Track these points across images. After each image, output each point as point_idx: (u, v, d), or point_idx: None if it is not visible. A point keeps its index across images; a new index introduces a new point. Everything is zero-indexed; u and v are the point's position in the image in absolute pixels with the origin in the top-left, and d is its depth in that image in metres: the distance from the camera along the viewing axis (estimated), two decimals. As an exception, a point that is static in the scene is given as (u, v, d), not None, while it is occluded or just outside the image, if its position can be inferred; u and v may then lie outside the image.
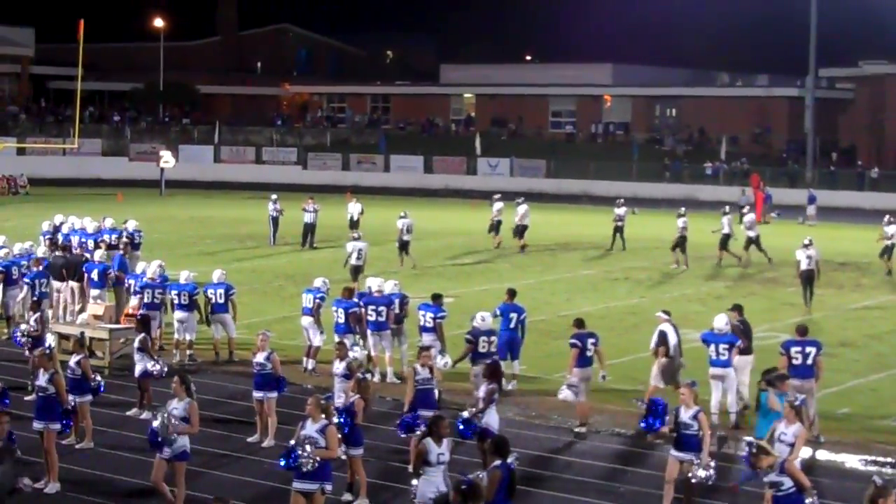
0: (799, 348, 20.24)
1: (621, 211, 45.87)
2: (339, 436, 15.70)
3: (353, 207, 46.22)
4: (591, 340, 21.49)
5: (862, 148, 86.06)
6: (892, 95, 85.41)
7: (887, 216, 42.44)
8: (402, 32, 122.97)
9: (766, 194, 61.30)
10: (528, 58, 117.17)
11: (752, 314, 32.22)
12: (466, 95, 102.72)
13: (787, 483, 14.13)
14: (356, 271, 33.75)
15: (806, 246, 34.17)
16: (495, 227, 45.36)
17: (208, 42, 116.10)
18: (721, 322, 20.98)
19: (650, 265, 41.65)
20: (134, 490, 17.30)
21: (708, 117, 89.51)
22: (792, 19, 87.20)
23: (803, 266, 33.98)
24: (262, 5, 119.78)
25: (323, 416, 15.33)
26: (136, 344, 21.16)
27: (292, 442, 15.06)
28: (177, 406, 16.04)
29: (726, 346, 20.80)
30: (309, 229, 44.42)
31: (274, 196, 45.39)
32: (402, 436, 17.54)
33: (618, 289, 36.71)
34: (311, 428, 15.22)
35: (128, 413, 21.02)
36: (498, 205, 45.42)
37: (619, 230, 45.69)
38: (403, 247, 39.90)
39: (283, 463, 14.99)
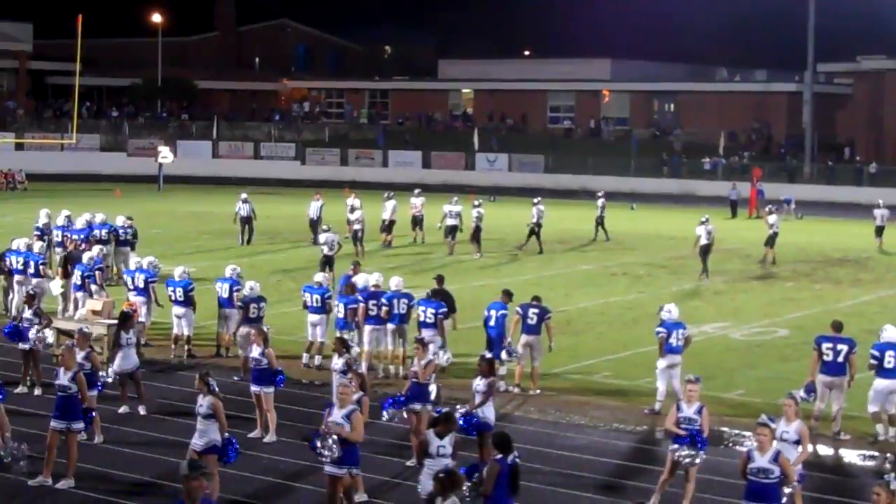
0: (831, 344, 20.23)
1: (601, 203, 47.53)
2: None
3: (353, 202, 46.10)
4: (532, 311, 22.62)
5: (860, 143, 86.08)
6: (890, 90, 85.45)
7: (768, 206, 45.50)
8: (401, 28, 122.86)
9: (759, 189, 61.32)
10: (527, 53, 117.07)
11: (751, 309, 32.48)
12: (465, 91, 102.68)
13: (776, 472, 14.16)
14: (328, 262, 33.94)
15: (703, 222, 37.53)
16: (388, 226, 44.48)
17: (207, 37, 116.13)
18: (676, 311, 21.73)
19: (649, 260, 41.67)
20: (139, 485, 17.31)
21: (706, 112, 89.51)
22: (790, 14, 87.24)
23: (703, 241, 37.09)
24: (261, 0, 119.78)
25: (351, 403, 15.42)
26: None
27: (321, 428, 15.15)
28: (202, 403, 16.07)
29: (683, 332, 21.56)
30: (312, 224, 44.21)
31: (244, 195, 44.83)
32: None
33: (616, 284, 36.73)
34: (337, 414, 15.30)
35: (119, 411, 20.99)
36: (391, 203, 44.71)
37: (600, 222, 47.09)
38: (533, 233, 43.16)
39: (310, 446, 15.23)
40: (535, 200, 44.28)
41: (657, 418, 20.86)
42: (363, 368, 23.12)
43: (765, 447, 14.34)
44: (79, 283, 27.12)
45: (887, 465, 18.39)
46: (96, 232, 33.43)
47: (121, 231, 34.55)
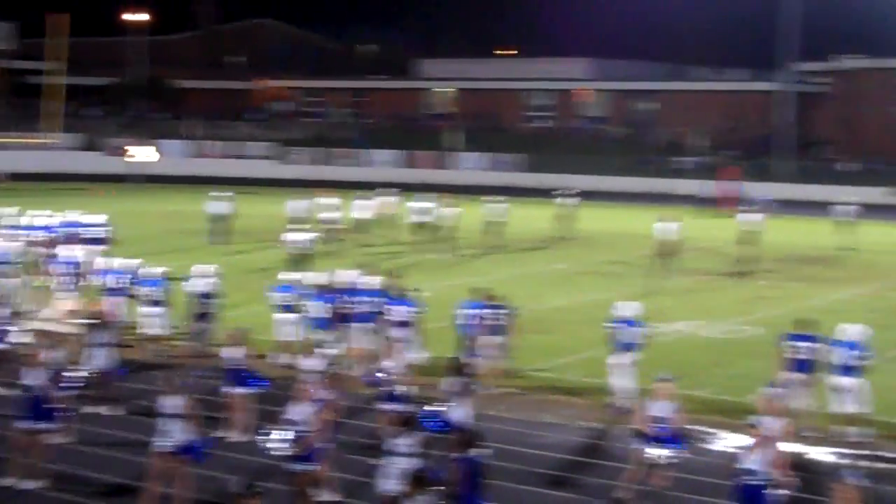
0: (793, 342, 20.49)
1: (571, 201, 48.71)
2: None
3: (330, 202, 46.23)
4: (495, 311, 23.09)
5: (838, 141, 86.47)
6: (866, 89, 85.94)
7: (749, 204, 46.96)
8: (381, 27, 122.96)
9: (738, 188, 61.54)
10: (506, 52, 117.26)
11: (723, 307, 32.70)
12: (445, 90, 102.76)
13: (764, 473, 14.27)
14: (302, 260, 34.14)
15: (664, 220, 38.57)
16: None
17: (187, 36, 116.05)
18: (630, 308, 22.26)
19: (623, 259, 41.86)
20: (110, 486, 17.39)
21: (685, 111, 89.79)
22: (768, 14, 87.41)
23: (662, 238, 38.31)
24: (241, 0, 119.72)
25: (310, 401, 15.59)
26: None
27: (276, 427, 15.35)
28: (170, 403, 16.12)
29: (638, 329, 21.99)
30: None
31: (223, 193, 44.98)
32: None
33: (589, 283, 36.91)
34: (297, 411, 15.42)
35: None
36: (368, 201, 44.83)
37: (565, 220, 48.07)
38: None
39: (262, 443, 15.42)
40: (498, 199, 44.81)
41: (625, 415, 21.02)
42: (351, 367, 23.42)
43: (755, 449, 14.47)
44: (60, 282, 27.25)
45: (845, 463, 18.60)
46: (79, 231, 33.56)
47: (101, 231, 34.70)
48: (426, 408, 17.52)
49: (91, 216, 35.48)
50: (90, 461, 18.37)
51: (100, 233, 34.83)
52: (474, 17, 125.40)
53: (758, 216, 43.02)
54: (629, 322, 21.90)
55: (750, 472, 14.29)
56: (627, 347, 21.76)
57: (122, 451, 18.85)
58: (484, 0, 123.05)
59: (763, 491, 14.21)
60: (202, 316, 23.93)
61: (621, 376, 21.75)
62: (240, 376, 19.49)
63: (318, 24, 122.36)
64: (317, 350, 19.41)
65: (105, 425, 20.31)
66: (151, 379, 23.08)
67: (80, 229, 34.04)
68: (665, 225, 38.41)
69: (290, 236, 35.61)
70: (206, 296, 24.44)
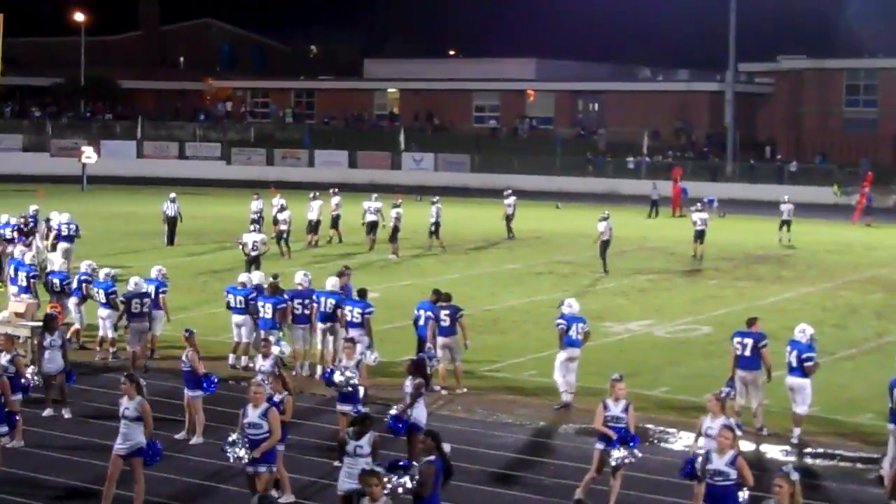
0: (740, 339, 20.61)
1: (510, 201, 48.33)
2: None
3: (280, 202, 45.90)
4: (444, 312, 23.00)
5: (781, 142, 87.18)
6: (809, 90, 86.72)
7: (697, 203, 47.53)
8: (326, 27, 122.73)
9: (683, 188, 61.94)
10: (452, 53, 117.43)
11: (675, 307, 32.84)
12: (390, 90, 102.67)
13: (733, 475, 14.27)
14: (253, 262, 34.04)
15: (604, 218, 39.16)
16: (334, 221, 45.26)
17: (130, 36, 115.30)
18: (577, 306, 22.25)
19: (574, 259, 41.95)
20: (64, 490, 17.19)
21: (630, 112, 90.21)
22: (711, 14, 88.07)
23: (604, 237, 38.64)
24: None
25: (265, 402, 15.52)
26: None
27: (233, 435, 15.26)
28: (128, 406, 15.95)
29: (583, 326, 22.03)
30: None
31: (172, 195, 44.74)
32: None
33: (542, 282, 36.94)
34: (253, 414, 15.35)
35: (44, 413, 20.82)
36: (317, 203, 44.59)
37: (508, 219, 48.02)
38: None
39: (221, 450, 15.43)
40: (434, 199, 44.63)
41: (578, 414, 21.07)
42: (305, 370, 23.37)
43: (724, 450, 14.42)
44: (24, 284, 26.92)
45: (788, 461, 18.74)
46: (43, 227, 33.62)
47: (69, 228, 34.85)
48: (392, 411, 17.43)
49: (57, 214, 35.59)
50: (42, 464, 18.14)
51: (69, 229, 34.93)
52: (421, 18, 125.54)
53: (705, 215, 43.55)
54: (572, 318, 21.95)
55: (719, 472, 14.30)
56: (573, 344, 21.84)
57: (74, 454, 18.65)
58: (430, 1, 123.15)
59: (735, 491, 14.23)
60: (134, 315, 23.82)
61: (565, 372, 21.85)
62: (195, 379, 19.31)
63: (262, 25, 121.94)
64: (272, 350, 19.25)
65: (55, 428, 20.06)
66: (104, 381, 22.90)
67: (45, 225, 33.99)
68: (606, 223, 38.79)
69: (246, 237, 35.37)
70: (142, 295, 24.27)
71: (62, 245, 35.11)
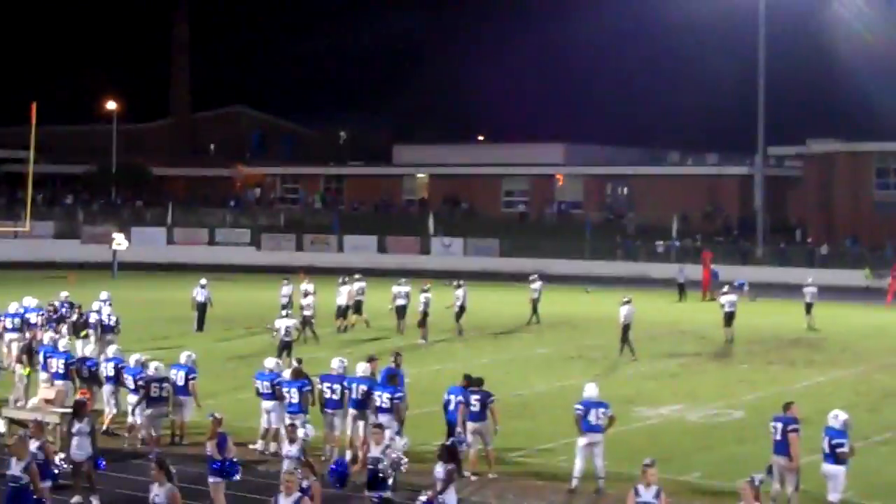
0: (774, 423, 20.40)
1: (536, 286, 47.84)
2: None
3: (307, 287, 45.87)
4: (474, 397, 22.75)
5: (811, 225, 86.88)
6: (839, 173, 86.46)
7: (726, 286, 47.03)
8: (356, 113, 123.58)
9: (714, 272, 61.76)
10: (481, 138, 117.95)
11: (706, 391, 32.57)
12: (419, 176, 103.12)
13: None
14: (285, 347, 34.12)
15: (626, 302, 38.87)
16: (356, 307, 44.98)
17: (161, 124, 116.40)
18: (593, 390, 21.93)
19: (604, 343, 41.70)
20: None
21: (659, 196, 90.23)
22: (741, 99, 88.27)
23: (623, 321, 38.45)
24: (216, 87, 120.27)
25: (297, 491, 15.41)
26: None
27: None
28: (158, 493, 15.84)
29: (604, 411, 21.80)
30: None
31: (203, 281, 44.91)
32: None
33: (572, 367, 36.73)
34: (284, 503, 15.21)
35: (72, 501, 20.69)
36: (346, 287, 44.72)
37: (534, 304, 47.60)
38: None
39: None
40: (458, 283, 44.63)
41: (609, 500, 20.82)
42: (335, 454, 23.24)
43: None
44: (58, 370, 26.85)
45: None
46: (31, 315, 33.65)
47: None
48: (422, 497, 17.28)
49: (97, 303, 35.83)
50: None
51: (109, 319, 35.10)
52: (449, 104, 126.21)
53: (734, 297, 43.31)
54: (590, 403, 21.75)
55: None
56: (593, 429, 21.63)
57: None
58: (459, 87, 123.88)
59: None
60: (153, 400, 23.87)
61: (588, 457, 21.65)
62: (220, 465, 19.16)
63: (292, 112, 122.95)
64: (297, 435, 19.13)
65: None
66: (133, 468, 22.79)
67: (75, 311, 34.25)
68: (628, 307, 38.65)
69: (279, 322, 35.40)
70: (161, 380, 24.32)
71: (107, 337, 34.88)
